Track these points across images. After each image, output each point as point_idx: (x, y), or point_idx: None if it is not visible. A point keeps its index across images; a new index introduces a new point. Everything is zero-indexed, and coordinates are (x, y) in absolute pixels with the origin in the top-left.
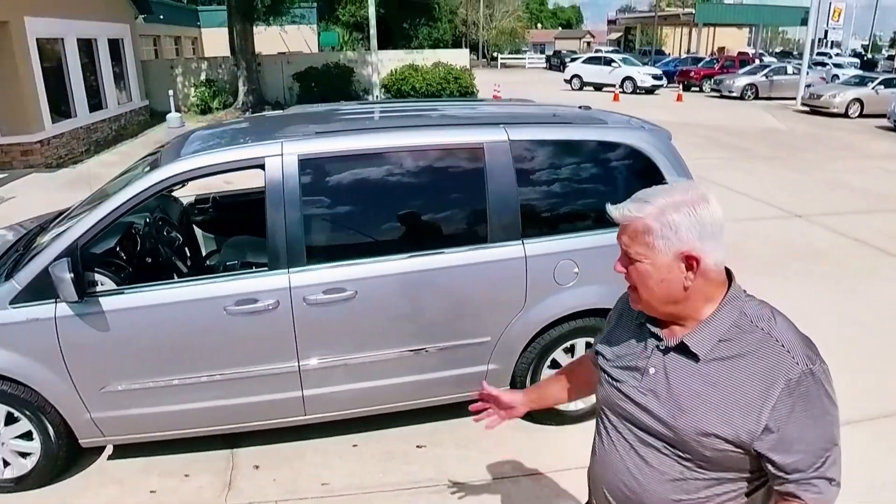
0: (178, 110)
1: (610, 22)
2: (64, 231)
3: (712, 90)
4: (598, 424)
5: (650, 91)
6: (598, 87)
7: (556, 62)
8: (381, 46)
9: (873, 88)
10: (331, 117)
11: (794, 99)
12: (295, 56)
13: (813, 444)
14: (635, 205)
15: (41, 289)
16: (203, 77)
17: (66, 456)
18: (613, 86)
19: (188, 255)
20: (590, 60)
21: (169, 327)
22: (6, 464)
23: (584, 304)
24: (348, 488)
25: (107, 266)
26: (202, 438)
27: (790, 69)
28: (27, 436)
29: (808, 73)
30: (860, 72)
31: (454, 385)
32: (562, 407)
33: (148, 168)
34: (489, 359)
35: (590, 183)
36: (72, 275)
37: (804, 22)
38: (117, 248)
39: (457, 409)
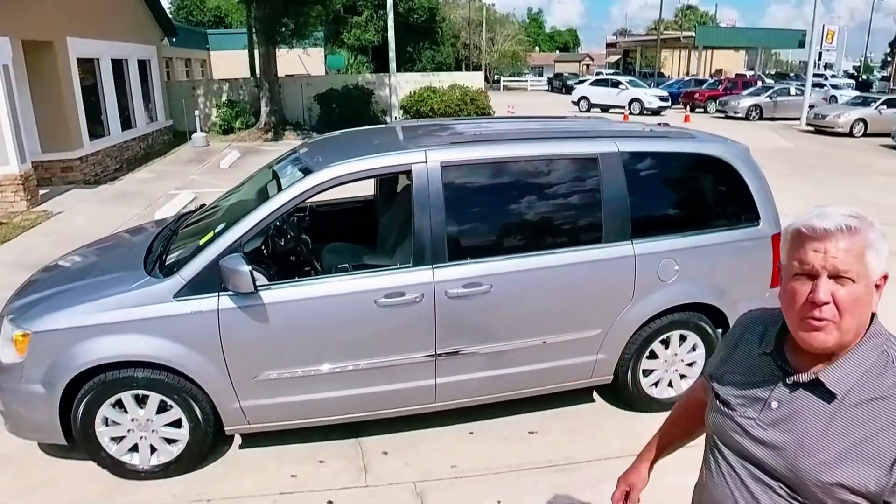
0: (201, 130)
1: (609, 45)
2: (223, 231)
3: (717, 111)
4: (707, 451)
5: (656, 112)
6: (605, 109)
7: (559, 84)
8: (385, 69)
9: (876, 108)
10: (435, 131)
11: (798, 119)
12: (314, 78)
13: None
14: (852, 218)
15: (205, 283)
16: (224, 98)
17: (210, 444)
18: (621, 107)
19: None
20: (597, 83)
21: (322, 318)
22: (153, 450)
23: (683, 298)
24: (476, 469)
25: (256, 263)
26: (326, 428)
27: (793, 90)
28: (176, 424)
29: (812, 94)
30: (857, 92)
31: (566, 374)
32: (655, 394)
33: (300, 173)
34: (598, 349)
35: (685, 190)
36: (249, 267)
37: (801, 44)
38: (262, 247)
39: (561, 398)
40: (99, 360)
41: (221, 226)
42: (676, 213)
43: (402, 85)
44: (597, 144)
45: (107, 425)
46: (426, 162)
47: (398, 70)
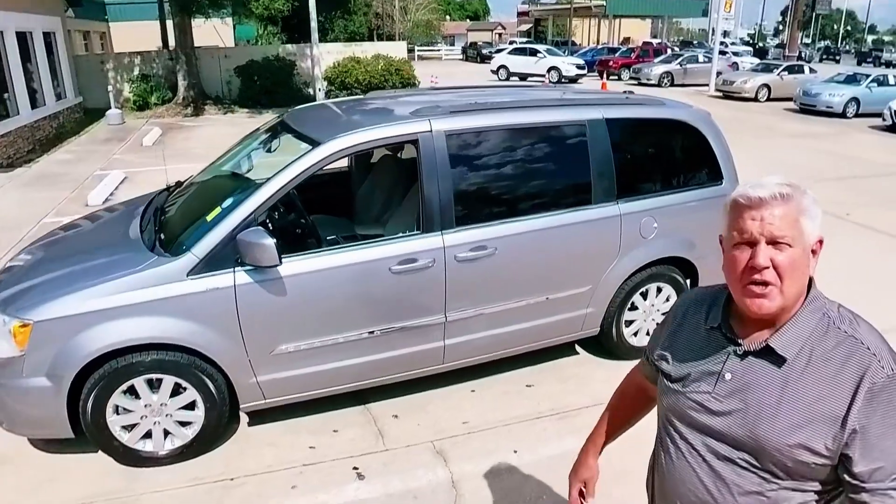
0: (115, 107)
1: (520, 14)
2: (234, 206)
3: (631, 78)
4: (661, 435)
5: (573, 80)
6: (524, 77)
7: (473, 53)
8: (297, 40)
9: (778, 74)
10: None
11: (707, 85)
12: (232, 50)
13: (892, 453)
14: (785, 186)
15: (219, 259)
16: (137, 72)
17: (224, 423)
18: (540, 76)
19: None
20: (515, 51)
21: (338, 288)
22: (167, 434)
23: (661, 253)
24: (487, 423)
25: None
26: (332, 398)
27: (701, 57)
28: (189, 406)
29: (720, 61)
30: (756, 60)
31: (560, 328)
32: (636, 343)
33: (305, 145)
34: (588, 304)
35: (660, 153)
36: (274, 240)
37: (704, 13)
38: (266, 221)
39: (550, 353)
40: (111, 346)
41: (229, 201)
42: (654, 174)
43: (323, 56)
44: (584, 111)
45: (118, 413)
46: (431, 131)
47: (309, 40)
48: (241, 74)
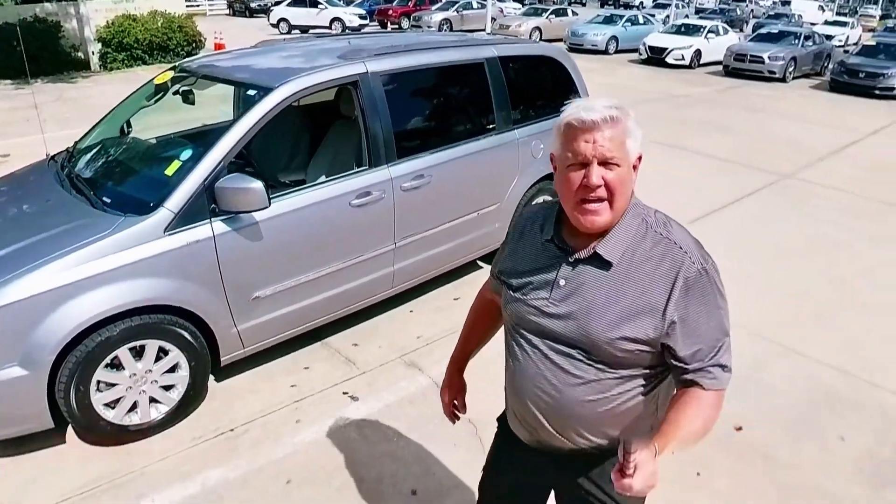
0: None
1: None
2: (198, 158)
3: (412, 26)
4: (509, 344)
5: (357, 30)
6: (305, 30)
7: (241, 7)
8: None
9: (547, 17)
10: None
11: (484, 30)
12: None
13: (708, 335)
14: (613, 109)
15: (195, 211)
16: None
17: (206, 381)
18: (323, 27)
19: None
20: (295, 3)
21: (308, 227)
22: (153, 401)
23: (547, 170)
24: (438, 334)
25: None
26: (289, 344)
27: (475, 4)
28: (172, 369)
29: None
30: (518, 5)
31: (478, 244)
32: None
33: (252, 90)
34: (497, 219)
35: (539, 84)
36: (261, 182)
37: None
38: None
39: (460, 269)
40: (94, 318)
41: (188, 153)
42: (536, 103)
43: (91, 15)
44: (482, 51)
45: (100, 391)
46: (368, 72)
47: None
48: None
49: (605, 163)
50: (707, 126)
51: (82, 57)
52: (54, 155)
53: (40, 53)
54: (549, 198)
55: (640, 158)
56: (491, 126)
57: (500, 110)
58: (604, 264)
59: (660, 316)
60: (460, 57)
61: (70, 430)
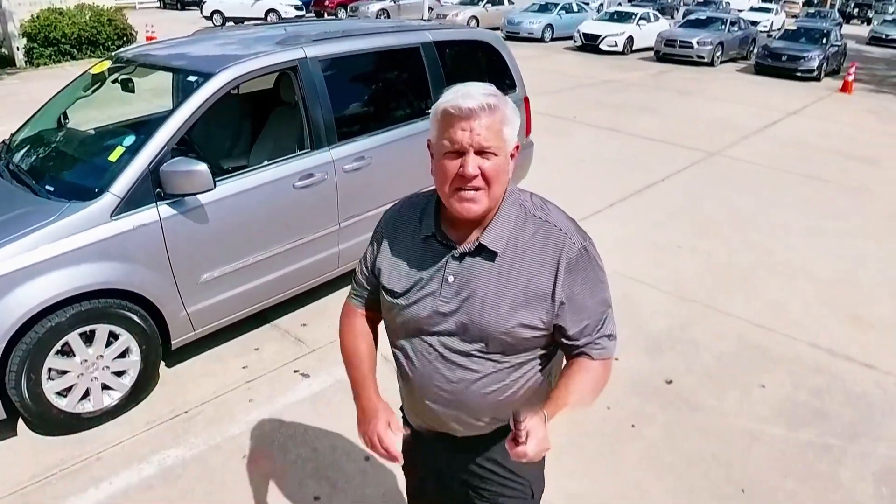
0: None
1: None
2: (141, 144)
3: (350, 16)
4: (400, 348)
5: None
6: (240, 22)
7: (172, 0)
8: None
9: (483, 6)
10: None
11: (421, 19)
12: None
13: (594, 310)
14: (491, 97)
15: (140, 196)
16: None
17: (158, 365)
18: (258, 18)
19: None
20: None
21: (252, 210)
22: (105, 388)
23: None
24: None
25: None
26: (237, 326)
27: None
28: (123, 354)
29: None
30: None
31: None
32: None
33: (192, 76)
34: None
35: (473, 67)
36: (206, 164)
37: None
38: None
39: None
40: (44, 303)
41: (131, 139)
42: None
43: (13, 9)
44: (418, 35)
45: (52, 379)
46: (307, 58)
47: None
48: None
49: (481, 152)
50: (639, 109)
51: (6, 53)
52: None
53: None
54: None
55: (517, 148)
56: (429, 109)
57: (436, 93)
58: (490, 255)
59: (549, 300)
60: (397, 42)
61: (21, 422)
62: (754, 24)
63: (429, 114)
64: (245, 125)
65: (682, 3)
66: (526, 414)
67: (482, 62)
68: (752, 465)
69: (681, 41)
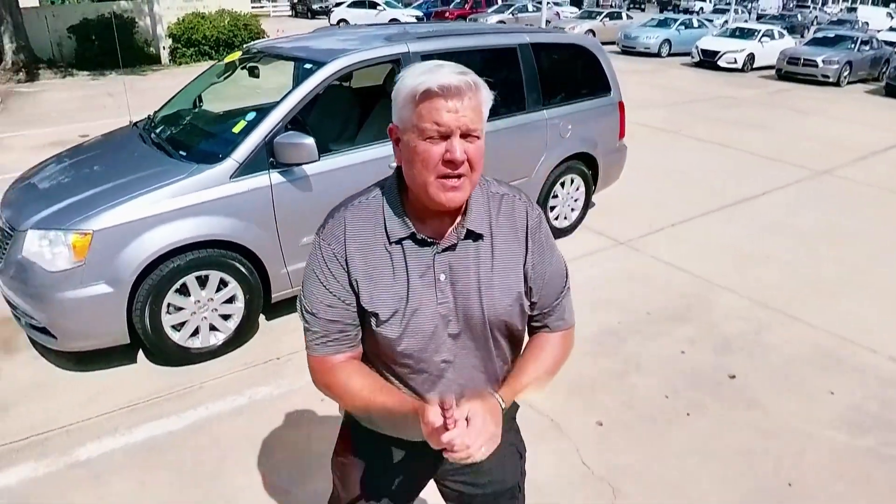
0: None
1: None
2: (260, 119)
3: None
4: (395, 379)
5: None
6: None
7: (303, 9)
8: None
9: (601, 20)
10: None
11: None
12: (60, 8)
13: (554, 279)
14: (469, 74)
15: (256, 163)
16: None
17: (258, 315)
18: None
19: None
20: (354, 5)
21: (353, 183)
22: (212, 329)
23: (574, 149)
24: None
25: None
26: None
27: (530, 6)
28: (229, 301)
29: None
30: (575, 9)
31: None
32: (560, 225)
33: (309, 65)
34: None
35: (569, 70)
36: (312, 138)
37: None
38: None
39: None
40: (168, 246)
41: (252, 116)
42: (566, 87)
43: (163, 13)
44: (515, 37)
45: (169, 313)
46: (409, 52)
47: None
48: (75, 34)
49: (466, 134)
50: (750, 125)
51: (153, 52)
52: (136, 122)
53: (115, 48)
54: (576, 177)
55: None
56: (521, 105)
57: (530, 92)
58: (474, 240)
59: (524, 269)
60: (495, 42)
61: (140, 353)
62: (891, 44)
63: (521, 109)
64: (353, 113)
65: (815, 23)
66: (451, 401)
67: (579, 65)
68: (804, 464)
69: (805, 59)
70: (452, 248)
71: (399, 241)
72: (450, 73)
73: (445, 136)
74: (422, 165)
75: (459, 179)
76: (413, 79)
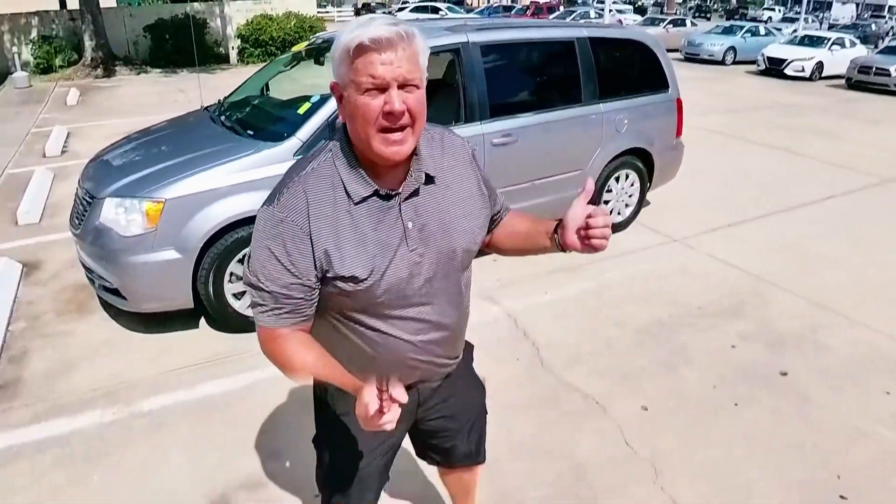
0: (21, 70)
1: None
2: (325, 98)
3: None
4: (360, 334)
5: None
6: None
7: (366, 13)
8: None
9: (664, 28)
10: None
11: None
12: (138, 9)
13: (489, 178)
14: (402, 24)
15: (318, 141)
16: (35, 34)
17: None
18: None
19: None
20: (417, 9)
21: None
22: None
23: (630, 144)
24: (519, 277)
25: None
26: None
27: (592, 13)
28: None
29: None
30: (638, 16)
31: (558, 207)
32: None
33: None
34: (579, 186)
35: (627, 65)
36: None
37: None
38: None
39: None
40: (232, 218)
41: (316, 98)
42: (623, 82)
43: (233, 14)
44: (572, 31)
45: (231, 282)
46: (468, 42)
47: None
48: (150, 33)
49: (404, 84)
50: (816, 133)
51: (222, 51)
52: (207, 106)
53: (187, 47)
54: (631, 173)
55: (423, 79)
56: (577, 98)
57: (586, 85)
58: (429, 182)
59: (484, 196)
60: (554, 35)
61: (202, 320)
62: None
63: (577, 102)
64: None
65: (889, 32)
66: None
67: (636, 60)
68: (855, 460)
69: (877, 68)
70: (416, 193)
71: (363, 200)
72: (381, 26)
73: (383, 89)
74: (363, 120)
75: (402, 132)
76: (347, 34)
